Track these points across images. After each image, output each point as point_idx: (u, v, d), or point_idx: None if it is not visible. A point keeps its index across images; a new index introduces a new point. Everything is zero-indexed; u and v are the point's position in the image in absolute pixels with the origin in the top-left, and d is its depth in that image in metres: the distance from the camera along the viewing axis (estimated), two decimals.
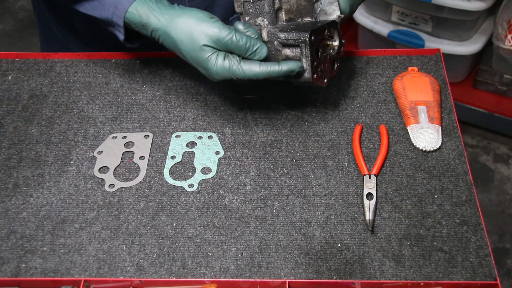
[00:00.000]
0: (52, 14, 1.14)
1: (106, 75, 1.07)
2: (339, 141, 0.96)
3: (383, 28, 2.16)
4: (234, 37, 0.82)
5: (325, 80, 0.90)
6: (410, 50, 1.10)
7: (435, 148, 0.93)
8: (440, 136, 0.95)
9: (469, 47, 2.07)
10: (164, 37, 0.86)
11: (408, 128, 0.96)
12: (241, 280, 0.79)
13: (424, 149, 0.93)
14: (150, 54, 1.09)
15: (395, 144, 0.95)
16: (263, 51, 0.84)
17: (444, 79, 1.04)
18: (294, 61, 0.85)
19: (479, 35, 2.09)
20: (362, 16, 2.19)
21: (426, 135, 0.94)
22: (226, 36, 0.82)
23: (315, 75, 0.87)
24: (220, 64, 0.83)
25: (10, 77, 1.08)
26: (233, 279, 0.80)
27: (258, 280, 0.79)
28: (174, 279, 0.80)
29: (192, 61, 0.86)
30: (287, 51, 0.87)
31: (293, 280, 0.79)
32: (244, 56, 0.84)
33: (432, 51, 1.09)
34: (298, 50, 0.85)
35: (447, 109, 1.00)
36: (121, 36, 0.90)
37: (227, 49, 0.84)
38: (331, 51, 0.91)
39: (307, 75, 0.86)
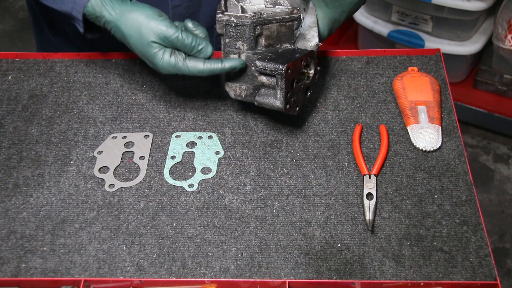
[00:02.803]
0: (44, 16, 1.15)
1: (106, 75, 1.07)
2: (339, 141, 0.96)
3: (383, 28, 2.16)
4: (180, 36, 0.86)
5: (297, 109, 0.92)
6: (410, 50, 1.10)
7: (435, 148, 0.93)
8: (440, 136, 0.95)
9: (469, 47, 2.07)
10: (115, 30, 0.90)
11: (408, 128, 0.96)
12: (241, 280, 0.79)
13: (424, 149, 0.93)
14: None
15: (395, 144, 0.95)
16: (208, 50, 0.89)
17: (444, 79, 1.04)
18: (237, 59, 0.89)
19: (479, 35, 2.09)
20: (362, 16, 2.19)
21: (426, 135, 0.94)
22: (172, 34, 0.86)
23: (287, 106, 0.89)
24: (166, 60, 0.88)
25: (10, 77, 1.08)
26: (233, 279, 0.80)
27: (258, 280, 0.79)
28: (174, 279, 0.80)
29: (140, 54, 0.90)
30: (263, 79, 0.89)
31: (293, 280, 0.79)
32: (190, 53, 0.88)
33: (432, 51, 1.09)
34: (274, 79, 0.87)
35: (447, 109, 1.00)
36: (80, 29, 0.92)
37: (173, 46, 0.88)
38: (306, 79, 0.93)
39: (280, 105, 0.88)
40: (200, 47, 0.88)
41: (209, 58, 0.89)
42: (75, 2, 0.89)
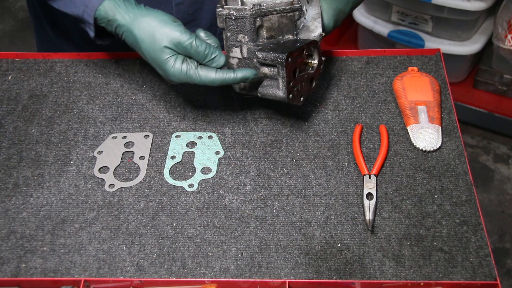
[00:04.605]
0: (46, 16, 1.15)
1: (106, 75, 1.07)
2: (339, 141, 0.96)
3: (383, 28, 2.16)
4: (194, 43, 0.85)
5: (302, 99, 0.91)
6: (410, 50, 1.10)
7: (435, 148, 0.93)
8: (440, 136, 0.95)
9: (469, 47, 2.07)
10: (127, 34, 0.88)
11: (408, 128, 0.96)
12: (241, 280, 0.79)
13: (424, 149, 0.93)
14: None
15: (395, 144, 0.95)
16: (221, 60, 0.88)
17: (444, 79, 1.05)
18: (249, 69, 0.88)
19: (479, 35, 2.09)
20: (362, 16, 2.19)
21: (426, 135, 0.94)
22: (186, 40, 0.85)
23: (290, 95, 0.88)
24: (178, 67, 0.86)
25: (10, 77, 1.08)
26: (233, 279, 0.80)
27: (258, 280, 0.79)
28: (174, 279, 0.80)
29: (151, 60, 0.88)
30: (265, 70, 0.88)
31: (293, 280, 0.79)
32: (202, 62, 0.87)
33: (432, 51, 1.09)
34: (275, 69, 0.87)
35: (447, 109, 1.00)
36: (91, 33, 0.91)
37: (186, 54, 0.86)
38: (310, 69, 0.92)
39: (282, 95, 0.87)
40: (213, 56, 0.87)
41: (221, 68, 0.88)
42: (86, 5, 0.87)
